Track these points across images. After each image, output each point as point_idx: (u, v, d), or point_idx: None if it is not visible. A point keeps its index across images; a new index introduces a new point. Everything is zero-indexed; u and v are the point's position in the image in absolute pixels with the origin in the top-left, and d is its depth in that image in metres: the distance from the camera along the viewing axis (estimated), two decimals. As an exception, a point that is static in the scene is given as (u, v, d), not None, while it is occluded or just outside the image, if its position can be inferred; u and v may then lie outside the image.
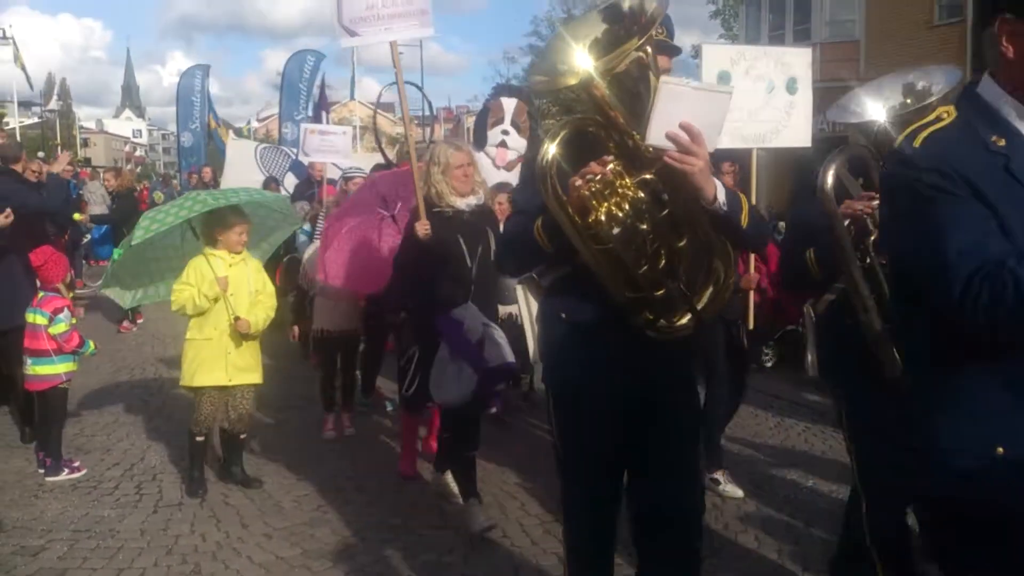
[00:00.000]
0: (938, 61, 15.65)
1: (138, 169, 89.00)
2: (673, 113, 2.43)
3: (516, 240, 2.92)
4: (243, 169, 13.08)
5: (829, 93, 23.35)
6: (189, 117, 21.01)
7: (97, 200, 18.85)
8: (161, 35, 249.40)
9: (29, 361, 5.68)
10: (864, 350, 3.06)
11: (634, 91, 2.58)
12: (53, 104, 57.24)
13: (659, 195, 2.60)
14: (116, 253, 5.83)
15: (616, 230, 2.52)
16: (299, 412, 7.23)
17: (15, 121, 36.24)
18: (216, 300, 5.15)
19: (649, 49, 2.57)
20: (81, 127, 76.36)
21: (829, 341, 3.55)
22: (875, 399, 2.91)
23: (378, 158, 15.23)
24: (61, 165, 8.99)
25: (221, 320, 5.20)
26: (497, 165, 8.04)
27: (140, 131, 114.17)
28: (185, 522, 4.90)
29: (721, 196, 2.61)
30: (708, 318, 2.80)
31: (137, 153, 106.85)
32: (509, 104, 8.36)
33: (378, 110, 15.33)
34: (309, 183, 11.82)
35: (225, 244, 5.26)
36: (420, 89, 20.06)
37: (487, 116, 8.40)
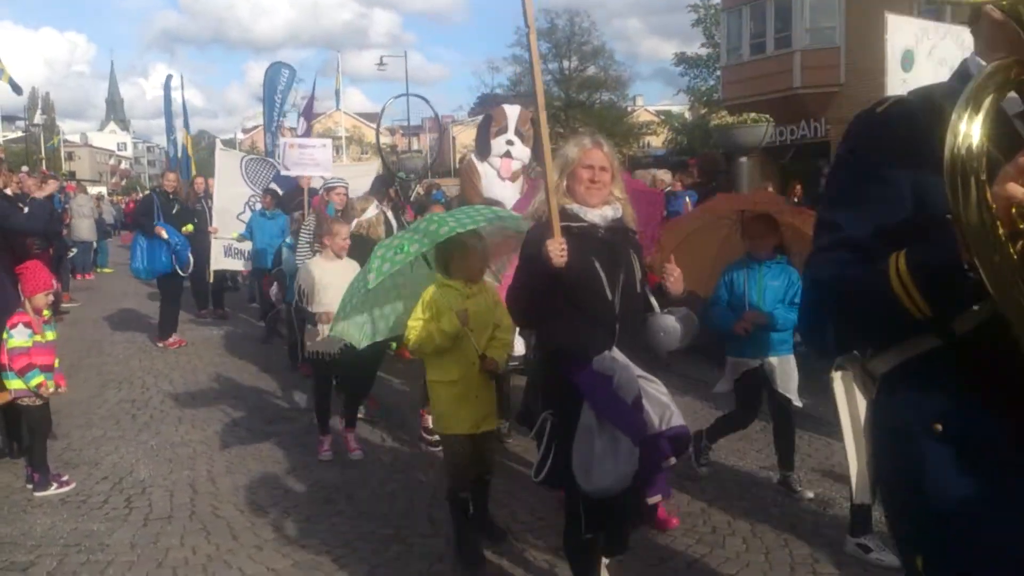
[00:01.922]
0: (918, 66, 15.55)
1: (123, 182, 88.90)
2: None
3: (850, 295, 1.77)
4: (230, 181, 13.06)
5: (811, 99, 23.54)
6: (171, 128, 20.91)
7: (84, 214, 18.83)
8: (145, 48, 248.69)
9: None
10: None
11: None
12: (37, 118, 56.95)
13: None
14: (344, 297, 4.78)
15: None
16: (289, 423, 7.23)
17: (-1, 135, 36.03)
18: (457, 337, 4.36)
19: None
20: (65, 140, 75.94)
21: None
22: None
23: (365, 168, 15.25)
24: (47, 191, 9.01)
25: (464, 359, 4.42)
26: (502, 176, 7.69)
27: (125, 144, 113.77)
28: (175, 535, 4.89)
29: None
30: None
31: (122, 166, 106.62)
32: (512, 111, 8.01)
33: (360, 119, 15.40)
34: (298, 193, 11.75)
35: (463, 273, 4.50)
36: (426, 100, 19.98)
37: (489, 125, 8.01)
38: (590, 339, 3.49)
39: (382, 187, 11.08)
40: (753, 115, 10.92)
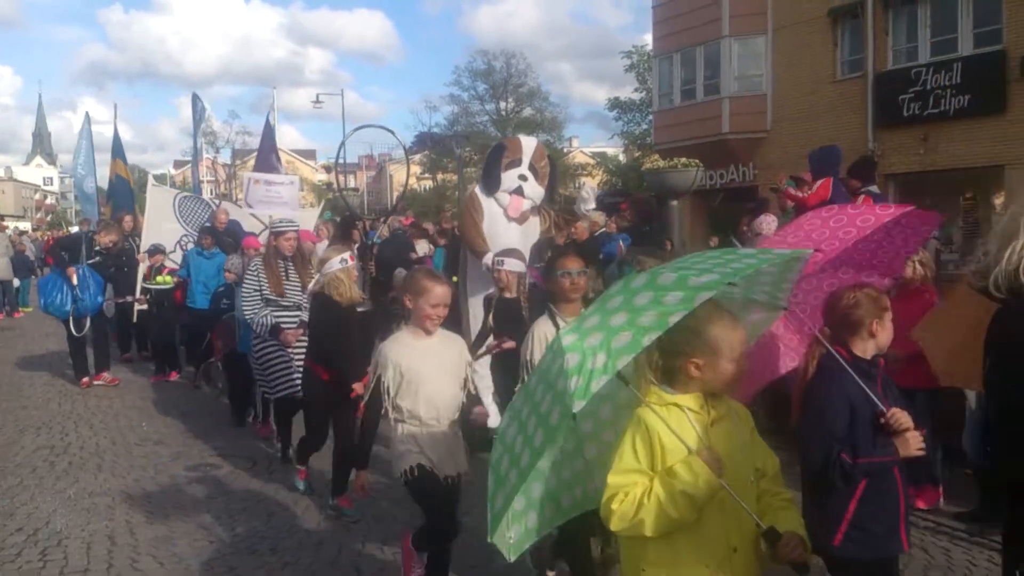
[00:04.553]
0: (841, 114, 16.49)
1: (48, 217, 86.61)
2: None
3: None
4: (161, 218, 12.79)
5: (739, 144, 24.25)
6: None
7: (0, 252, 18.28)
8: (72, 81, 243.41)
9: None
10: None
11: None
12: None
13: None
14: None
15: None
16: (213, 468, 7.06)
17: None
18: (709, 498, 2.44)
19: None
20: (-12, 174, 73.87)
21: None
22: None
23: (307, 214, 14.92)
24: None
25: (719, 539, 2.53)
26: (509, 216, 6.76)
27: (51, 179, 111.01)
28: (91, 589, 4.73)
29: None
30: None
31: (48, 201, 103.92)
32: (528, 144, 7.08)
33: (296, 156, 15.27)
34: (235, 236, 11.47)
35: (712, 377, 2.54)
36: (393, 132, 19.78)
37: (500, 155, 7.00)
38: None
39: (345, 233, 10.34)
40: (684, 160, 11.14)
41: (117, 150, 16.53)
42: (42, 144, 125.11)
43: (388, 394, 3.99)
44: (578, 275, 4.34)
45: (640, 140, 37.04)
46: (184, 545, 5.37)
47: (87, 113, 24.91)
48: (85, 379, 10.65)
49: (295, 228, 7.31)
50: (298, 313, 6.93)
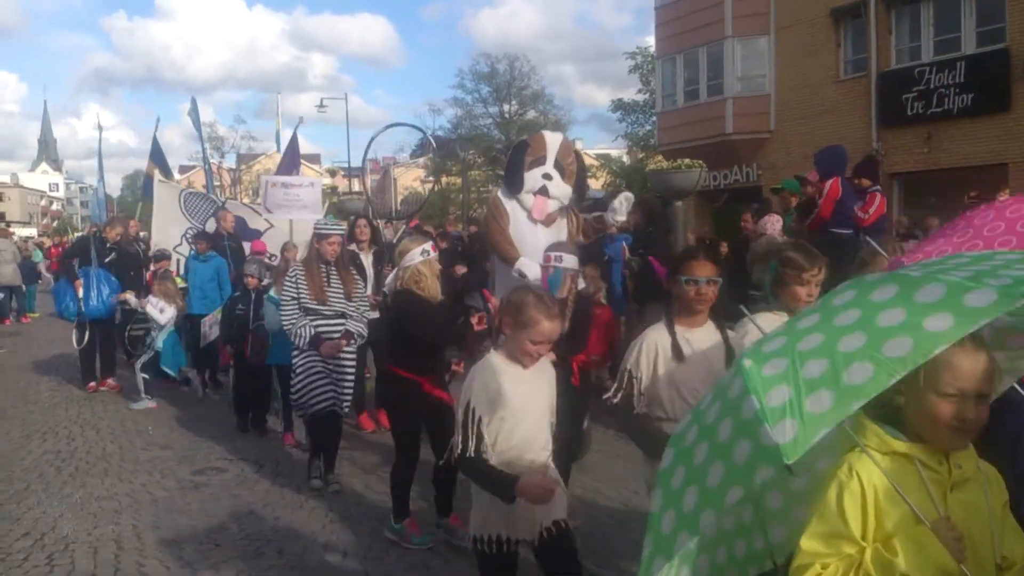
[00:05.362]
0: (844, 113, 16.50)
1: (55, 223, 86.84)
2: None
3: None
4: (169, 216, 12.81)
5: (743, 145, 24.21)
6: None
7: (5, 259, 18.32)
8: (77, 88, 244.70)
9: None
10: None
11: None
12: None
13: None
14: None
15: None
16: (219, 473, 7.07)
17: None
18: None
19: None
20: (-7, 181, 74.13)
21: None
22: None
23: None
24: None
25: None
26: (534, 218, 6.36)
27: (57, 184, 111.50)
28: (98, 593, 4.75)
29: None
30: None
31: (54, 207, 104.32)
32: (553, 140, 6.65)
33: (303, 162, 15.18)
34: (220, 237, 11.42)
35: (941, 426, 1.95)
36: (424, 132, 19.57)
37: (523, 153, 6.57)
38: None
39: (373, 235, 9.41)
40: (687, 160, 11.13)
41: (156, 155, 16.52)
42: (47, 150, 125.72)
43: (481, 431, 3.33)
44: (707, 284, 3.55)
45: (644, 141, 36.99)
46: (191, 549, 5.38)
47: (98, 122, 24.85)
48: (92, 384, 10.70)
49: (340, 231, 6.75)
50: (341, 322, 6.46)
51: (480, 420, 3.31)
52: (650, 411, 3.56)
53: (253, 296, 8.46)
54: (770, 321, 3.24)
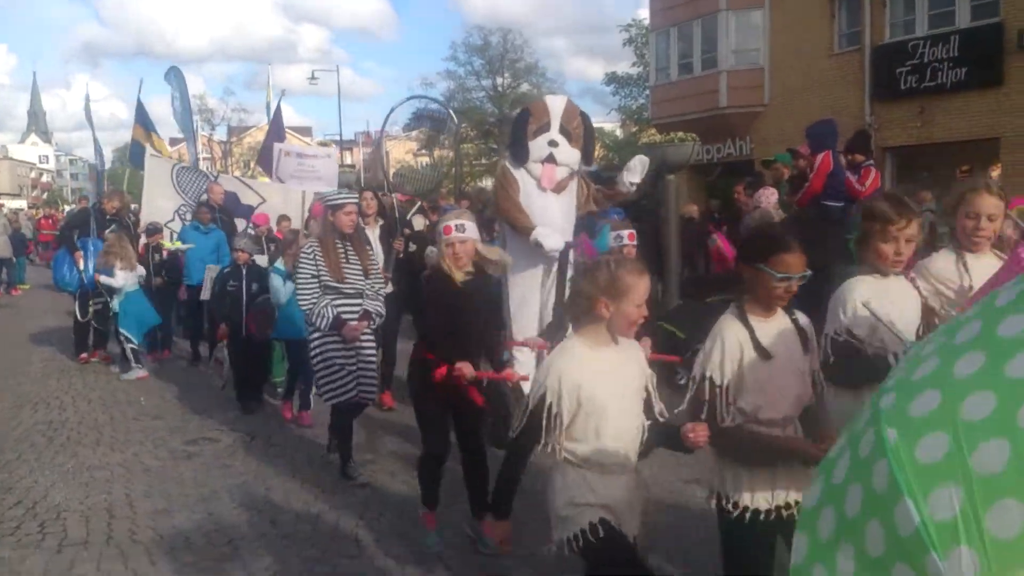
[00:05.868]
0: (838, 87, 16.40)
1: (44, 195, 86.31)
2: None
3: None
4: (160, 191, 12.70)
5: (737, 118, 24.04)
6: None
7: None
8: (67, 59, 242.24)
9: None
10: None
11: None
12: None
13: None
14: None
15: None
16: (211, 443, 7.08)
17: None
18: None
19: None
20: (-17, 152, 73.56)
21: None
22: None
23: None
24: None
25: None
26: (543, 187, 6.22)
27: (47, 156, 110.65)
28: (91, 561, 4.75)
29: None
30: None
31: (43, 179, 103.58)
32: (556, 104, 6.40)
33: (295, 134, 14.99)
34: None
35: None
36: (443, 105, 19.26)
37: (526, 123, 6.33)
38: None
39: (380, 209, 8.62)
40: (680, 134, 11.11)
41: (140, 116, 16.14)
42: (37, 122, 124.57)
43: (559, 428, 2.96)
44: (798, 280, 2.99)
45: (637, 115, 36.87)
46: (183, 518, 5.40)
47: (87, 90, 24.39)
48: (83, 355, 10.71)
49: (355, 200, 6.22)
50: (359, 302, 5.99)
51: (547, 404, 2.93)
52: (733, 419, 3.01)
53: (244, 271, 8.37)
54: (866, 289, 3.10)
